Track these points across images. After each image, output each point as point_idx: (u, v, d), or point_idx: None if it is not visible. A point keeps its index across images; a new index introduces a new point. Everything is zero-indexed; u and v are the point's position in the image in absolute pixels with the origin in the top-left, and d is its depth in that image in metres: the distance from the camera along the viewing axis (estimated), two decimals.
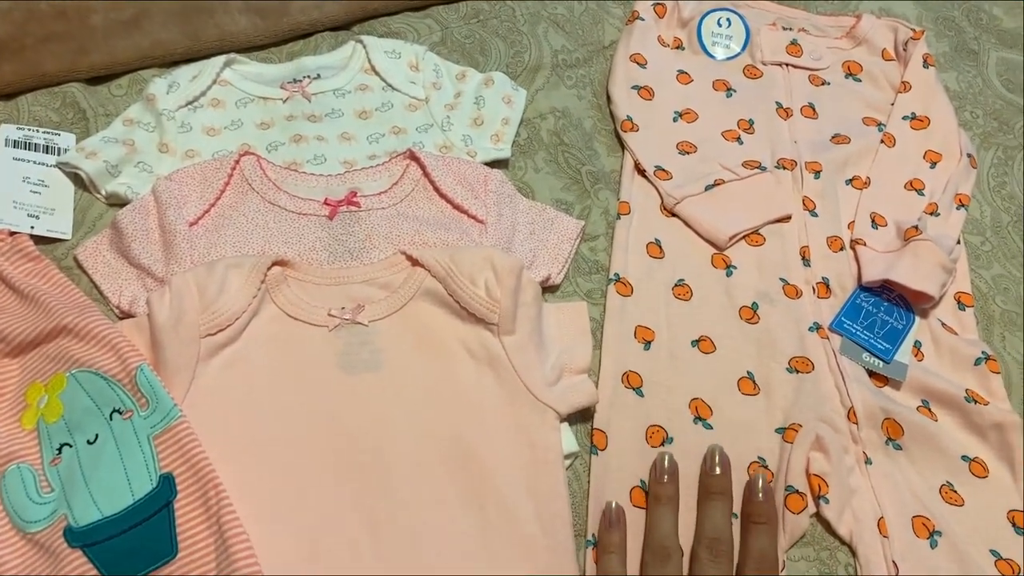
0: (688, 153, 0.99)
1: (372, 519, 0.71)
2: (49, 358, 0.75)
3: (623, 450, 0.79)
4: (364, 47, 1.00)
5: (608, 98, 1.04)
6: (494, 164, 0.94)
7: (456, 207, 0.89)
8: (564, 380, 0.80)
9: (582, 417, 0.80)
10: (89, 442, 0.72)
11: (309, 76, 0.97)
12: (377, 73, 0.99)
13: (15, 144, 0.86)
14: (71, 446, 0.72)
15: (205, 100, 0.94)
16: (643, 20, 1.09)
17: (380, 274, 0.83)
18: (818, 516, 0.77)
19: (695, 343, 0.86)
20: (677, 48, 1.11)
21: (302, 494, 0.72)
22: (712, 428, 0.80)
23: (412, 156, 0.91)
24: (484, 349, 0.79)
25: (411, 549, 0.70)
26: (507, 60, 1.04)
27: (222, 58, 0.96)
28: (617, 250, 0.91)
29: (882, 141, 1.03)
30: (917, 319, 0.90)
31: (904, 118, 1.05)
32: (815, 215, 0.96)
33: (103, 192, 0.88)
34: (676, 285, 0.89)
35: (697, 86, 1.07)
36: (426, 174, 0.90)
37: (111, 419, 0.72)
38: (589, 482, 0.77)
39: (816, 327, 0.88)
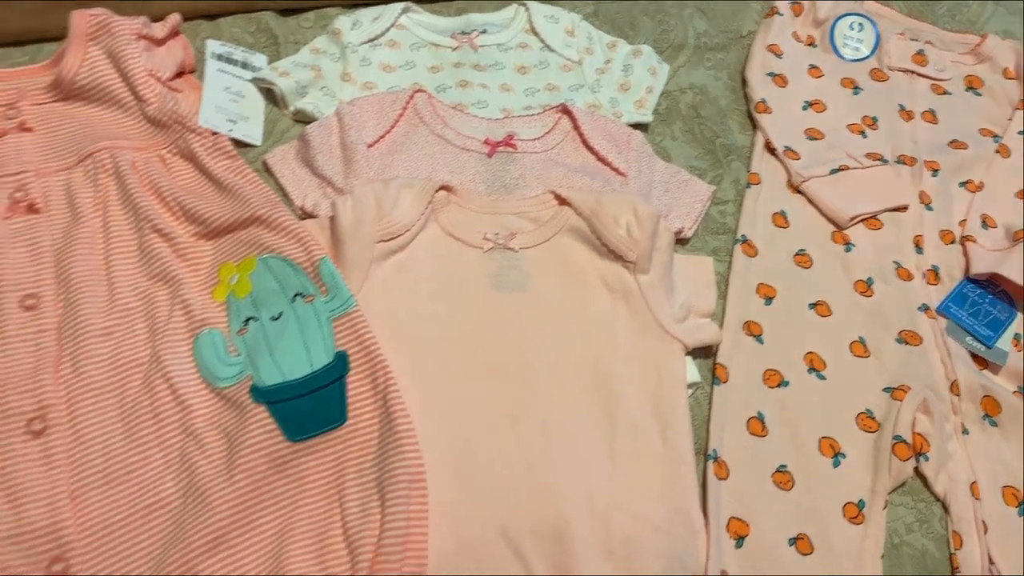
0: (815, 139, 1.06)
1: (513, 413, 0.80)
2: (241, 243, 0.85)
3: (742, 385, 0.87)
4: (527, 10, 1.10)
5: (743, 81, 1.11)
6: (636, 127, 1.02)
7: (601, 159, 0.98)
8: (691, 320, 0.88)
9: (703, 354, 0.88)
10: (273, 318, 0.81)
11: (476, 30, 1.07)
12: (537, 34, 1.08)
13: (218, 57, 0.97)
14: (257, 320, 0.81)
15: (383, 40, 1.04)
16: (781, 15, 1.17)
17: (531, 209, 0.91)
18: (917, 471, 0.84)
19: (812, 306, 0.93)
20: (810, 45, 1.18)
21: (454, 386, 0.81)
22: (825, 379, 0.88)
23: (565, 110, 1.00)
24: (620, 283, 0.87)
25: (546, 441, 0.79)
26: (654, 36, 1.13)
27: (400, 4, 1.06)
28: (745, 215, 0.99)
29: (997, 151, 1.09)
30: (1019, 314, 0.96)
31: (1020, 133, 1.11)
32: (930, 209, 1.03)
33: (291, 108, 0.98)
34: (797, 254, 0.97)
35: (827, 81, 1.14)
36: (576, 127, 0.99)
37: (294, 301, 0.82)
38: (710, 408, 0.85)
39: (925, 308, 0.94)
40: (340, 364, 0.79)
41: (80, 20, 0.93)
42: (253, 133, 0.95)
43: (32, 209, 0.85)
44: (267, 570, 0.70)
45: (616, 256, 0.87)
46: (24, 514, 0.70)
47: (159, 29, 0.96)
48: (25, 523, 0.70)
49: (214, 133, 0.91)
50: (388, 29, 1.05)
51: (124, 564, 0.70)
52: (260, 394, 0.77)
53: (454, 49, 1.06)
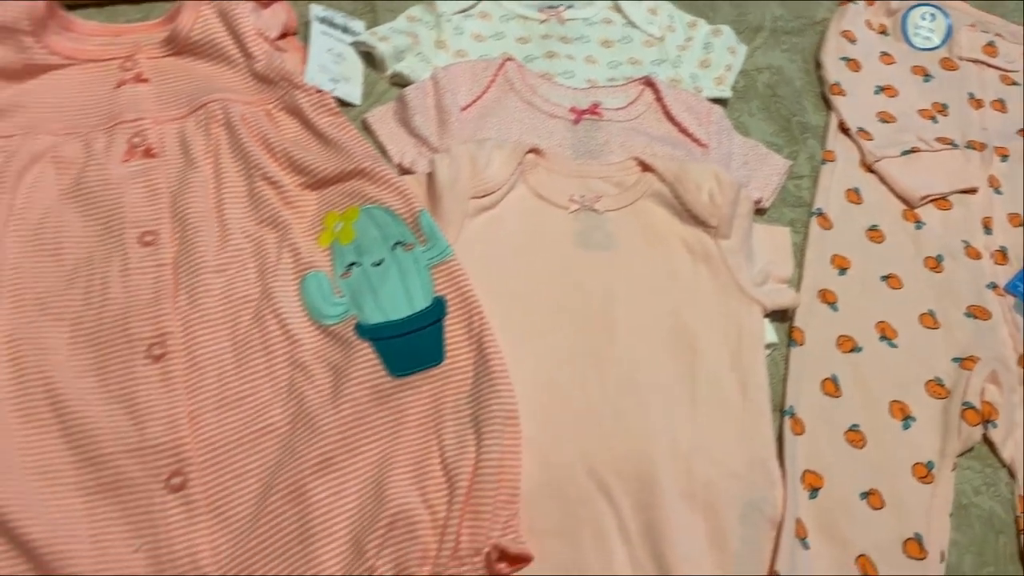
0: (887, 122, 1.09)
1: (598, 362, 0.84)
2: (345, 193, 0.90)
3: (817, 348, 0.90)
4: None
5: (818, 64, 1.15)
6: (715, 102, 1.06)
7: (682, 130, 1.01)
8: (769, 285, 0.92)
9: (780, 318, 0.92)
10: (374, 264, 0.86)
11: (563, 5, 1.11)
12: (620, 11, 1.12)
13: (321, 20, 1.02)
14: (359, 265, 0.86)
15: (475, 11, 1.09)
16: (855, 3, 1.20)
17: (615, 174, 0.95)
18: (985, 438, 0.87)
19: (884, 278, 0.96)
20: (882, 33, 1.21)
21: (542, 336, 0.85)
22: (896, 347, 0.91)
23: (648, 82, 1.04)
24: (702, 247, 0.91)
25: (630, 389, 0.82)
26: (732, 18, 1.17)
27: None
28: (820, 190, 1.02)
29: None
30: None
31: None
32: (999, 192, 1.06)
33: (388, 71, 1.03)
34: (870, 229, 1.00)
35: (898, 67, 1.17)
36: (659, 99, 1.03)
37: (394, 249, 0.86)
38: (786, 368, 0.89)
39: (993, 286, 0.97)
40: (438, 308, 0.83)
41: None
42: (353, 93, 1.00)
43: (149, 154, 0.91)
44: (370, 492, 0.75)
45: (698, 221, 0.91)
46: (146, 430, 0.75)
47: None
48: (147, 438, 0.75)
49: (319, 91, 0.96)
50: (480, 1, 1.10)
51: (236, 481, 0.75)
52: (365, 332, 0.81)
53: (542, 22, 1.10)
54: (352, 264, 0.86)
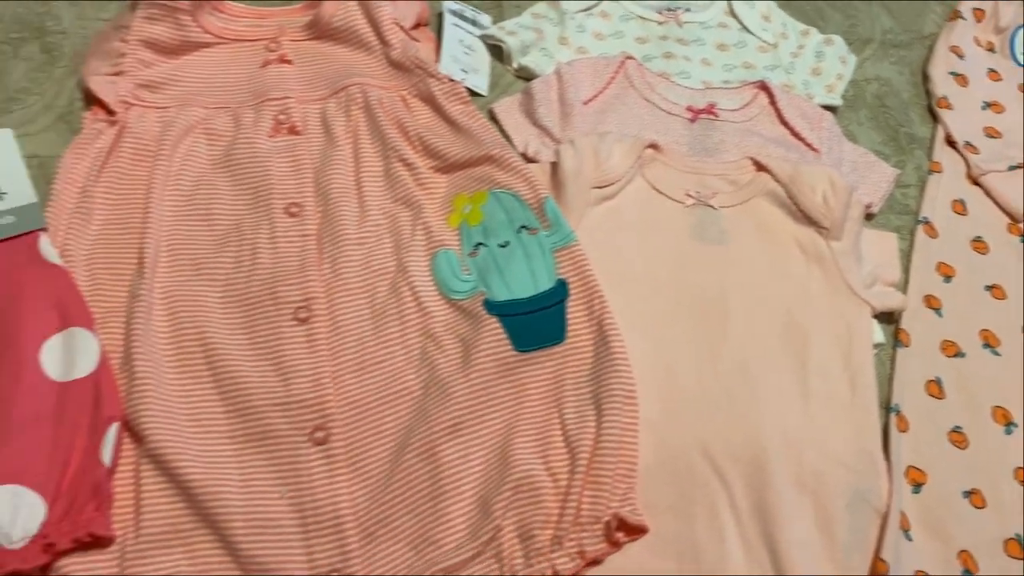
0: (994, 137, 1.11)
1: (713, 351, 0.87)
2: (473, 178, 0.94)
3: (922, 351, 0.93)
4: None
5: (925, 77, 1.17)
6: (825, 109, 1.09)
7: (795, 134, 1.05)
8: (877, 287, 0.95)
9: (886, 319, 0.94)
10: (500, 245, 0.90)
11: (681, 8, 1.15)
12: (735, 16, 1.16)
13: (453, 13, 1.07)
14: (486, 246, 0.91)
15: (597, 10, 1.13)
16: (964, 19, 1.22)
17: (730, 172, 0.99)
18: None
19: (988, 288, 0.98)
20: (989, 50, 1.23)
21: (657, 322, 0.89)
22: (1000, 356, 0.93)
23: (763, 86, 1.07)
24: (814, 247, 0.94)
25: (744, 378, 0.86)
26: (843, 28, 1.19)
27: None
28: (927, 200, 1.05)
29: None
30: None
31: None
32: None
33: (515, 64, 1.08)
34: (975, 240, 1.02)
35: (1005, 85, 1.19)
36: (773, 103, 1.06)
37: (519, 232, 0.91)
38: (892, 368, 0.92)
39: None
40: (561, 289, 0.87)
41: None
42: (481, 84, 1.05)
43: (293, 131, 0.96)
44: (495, 457, 0.79)
45: (810, 222, 0.94)
46: (292, 387, 0.81)
47: None
48: (293, 394, 0.80)
49: (451, 80, 1.01)
50: (601, 1, 1.14)
51: (373, 439, 0.80)
52: (492, 307, 0.86)
53: (660, 23, 1.14)
54: (479, 244, 0.91)
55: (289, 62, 1.02)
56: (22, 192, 0.86)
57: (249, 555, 0.74)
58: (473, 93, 1.04)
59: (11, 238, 0.83)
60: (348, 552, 0.75)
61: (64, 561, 0.72)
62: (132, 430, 0.78)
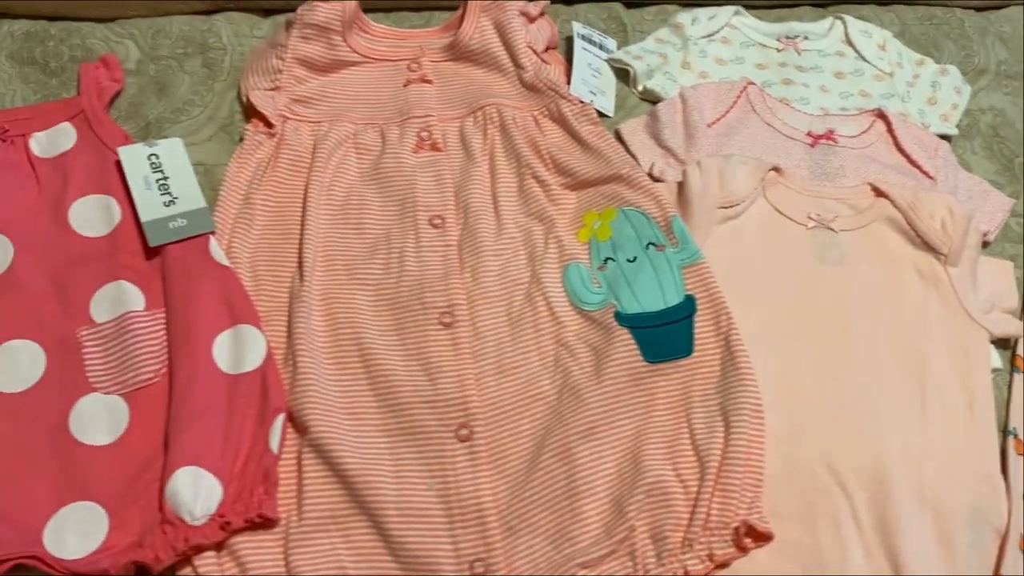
0: None
1: (834, 369, 0.91)
2: (603, 195, 0.99)
3: None
4: (843, 23, 1.21)
5: None
6: (940, 138, 1.12)
7: (911, 162, 1.07)
8: (994, 313, 0.97)
9: (1003, 345, 0.97)
10: (629, 260, 0.95)
11: (799, 36, 1.19)
12: (852, 45, 1.19)
13: (582, 37, 1.12)
14: (614, 260, 0.95)
15: (718, 36, 1.18)
16: None
17: (849, 196, 1.02)
18: None
19: None
20: None
21: (781, 340, 0.92)
22: None
23: (880, 114, 1.10)
24: (932, 272, 0.97)
25: (865, 395, 0.89)
26: (958, 59, 1.21)
27: (732, 8, 1.20)
28: None
29: None
30: None
31: None
32: None
33: (640, 87, 1.12)
34: None
35: None
36: (890, 131, 1.09)
37: (647, 248, 0.95)
38: (1009, 392, 0.94)
39: None
40: (689, 305, 0.91)
41: None
42: (608, 105, 1.10)
43: (435, 147, 1.02)
44: (627, 461, 0.83)
45: (929, 247, 0.97)
46: (439, 386, 0.86)
47: (533, 8, 1.11)
48: (440, 393, 0.86)
49: (581, 101, 1.06)
50: (722, 27, 1.18)
51: (512, 438, 0.85)
52: (623, 319, 0.90)
53: (779, 51, 1.18)
54: (608, 259, 0.96)
55: (429, 82, 1.08)
56: (192, 197, 0.93)
57: (400, 542, 0.80)
58: (600, 114, 1.09)
59: (184, 240, 0.91)
60: (491, 543, 0.80)
61: (236, 539, 0.78)
62: (295, 421, 0.84)
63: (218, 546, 0.78)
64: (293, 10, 1.09)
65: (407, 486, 0.83)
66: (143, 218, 0.91)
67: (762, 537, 0.81)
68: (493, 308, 0.92)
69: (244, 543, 0.79)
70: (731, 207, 0.99)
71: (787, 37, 1.19)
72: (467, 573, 0.79)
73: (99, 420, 0.82)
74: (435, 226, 0.96)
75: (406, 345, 0.90)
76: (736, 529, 0.80)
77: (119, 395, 0.83)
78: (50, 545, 0.76)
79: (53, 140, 0.98)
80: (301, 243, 0.94)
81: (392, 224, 0.97)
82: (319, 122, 1.03)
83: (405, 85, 1.08)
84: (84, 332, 0.86)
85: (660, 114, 1.07)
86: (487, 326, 0.91)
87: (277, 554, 0.79)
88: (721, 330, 0.90)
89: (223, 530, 0.77)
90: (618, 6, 1.19)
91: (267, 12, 1.13)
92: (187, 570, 0.77)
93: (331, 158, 1.00)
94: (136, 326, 0.86)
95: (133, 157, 0.94)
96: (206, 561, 0.77)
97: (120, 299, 0.87)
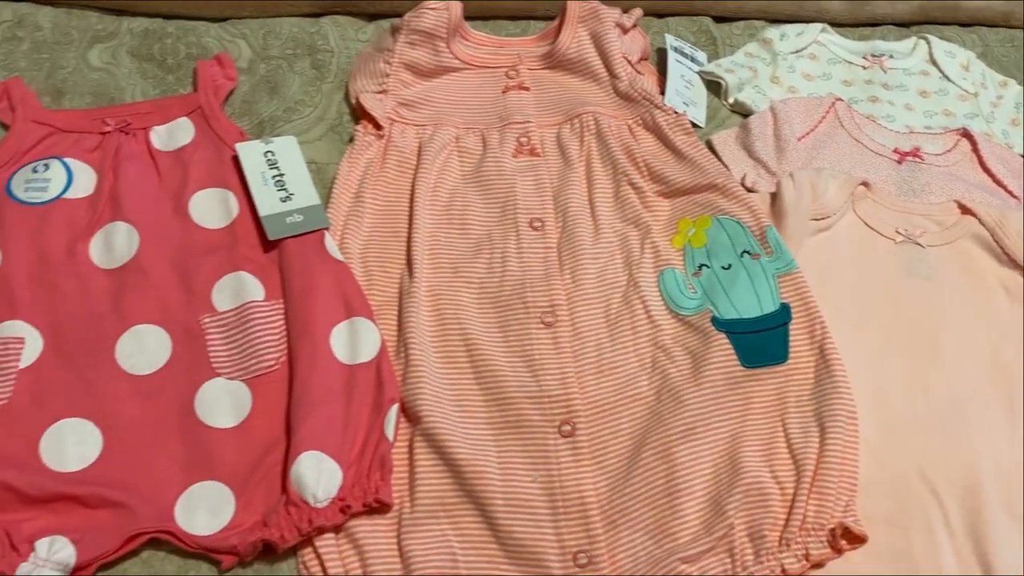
0: None
1: (925, 381, 0.93)
2: (697, 203, 1.02)
3: None
4: (928, 43, 1.23)
5: None
6: None
7: (996, 181, 1.09)
8: None
9: None
10: (723, 267, 0.97)
11: (885, 55, 1.21)
12: (936, 65, 1.21)
13: (675, 49, 1.15)
14: (709, 267, 0.98)
15: (806, 52, 1.20)
16: None
17: (936, 213, 1.04)
18: None
19: None
20: None
21: (870, 350, 0.94)
22: None
23: (966, 133, 1.13)
24: (1018, 290, 0.99)
25: (955, 407, 0.91)
26: None
27: (819, 25, 1.23)
28: None
29: None
30: None
31: None
32: None
33: (730, 100, 1.15)
34: None
35: None
36: (975, 150, 1.11)
37: (742, 257, 0.98)
38: None
39: None
40: (784, 313, 0.94)
41: (575, 5, 1.14)
42: (700, 116, 1.12)
43: (533, 152, 1.05)
44: (724, 462, 0.86)
45: (1016, 266, 0.99)
46: (543, 383, 0.89)
47: (627, 20, 1.14)
48: (544, 390, 0.89)
49: (675, 112, 1.08)
50: (809, 44, 1.21)
51: (612, 436, 0.88)
52: (721, 325, 0.93)
53: (865, 68, 1.20)
54: (702, 265, 0.98)
55: (527, 89, 1.11)
56: (307, 194, 0.97)
57: (507, 531, 0.83)
58: (693, 125, 1.11)
59: (301, 235, 0.94)
60: (594, 536, 0.83)
61: (353, 522, 0.82)
62: (407, 411, 0.87)
63: (336, 528, 0.81)
64: (397, 16, 1.13)
65: (513, 478, 0.85)
66: (262, 213, 0.94)
67: (857, 539, 0.83)
68: (592, 309, 0.95)
69: (360, 526, 0.82)
70: (822, 219, 1.01)
71: (873, 55, 1.21)
72: (571, 564, 0.82)
73: (223, 404, 0.86)
74: (535, 228, 0.99)
75: (509, 342, 0.92)
76: (832, 531, 0.82)
77: (242, 381, 0.87)
78: (181, 521, 0.79)
79: (172, 134, 1.02)
80: (409, 241, 0.98)
81: (493, 225, 1.00)
82: (423, 125, 1.07)
83: (504, 91, 1.11)
84: (207, 319, 0.90)
85: (752, 126, 1.10)
86: (586, 327, 0.94)
87: (391, 538, 0.82)
88: (815, 338, 0.92)
89: (343, 513, 0.80)
90: (707, 20, 1.22)
91: (371, 17, 1.17)
92: (307, 550, 0.81)
93: (435, 160, 1.03)
94: (257, 315, 0.89)
95: (251, 153, 0.98)
96: (326, 542, 0.81)
97: (240, 289, 0.91)
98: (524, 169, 1.04)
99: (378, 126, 1.05)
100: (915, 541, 0.85)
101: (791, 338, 0.93)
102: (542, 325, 0.93)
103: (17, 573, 0.74)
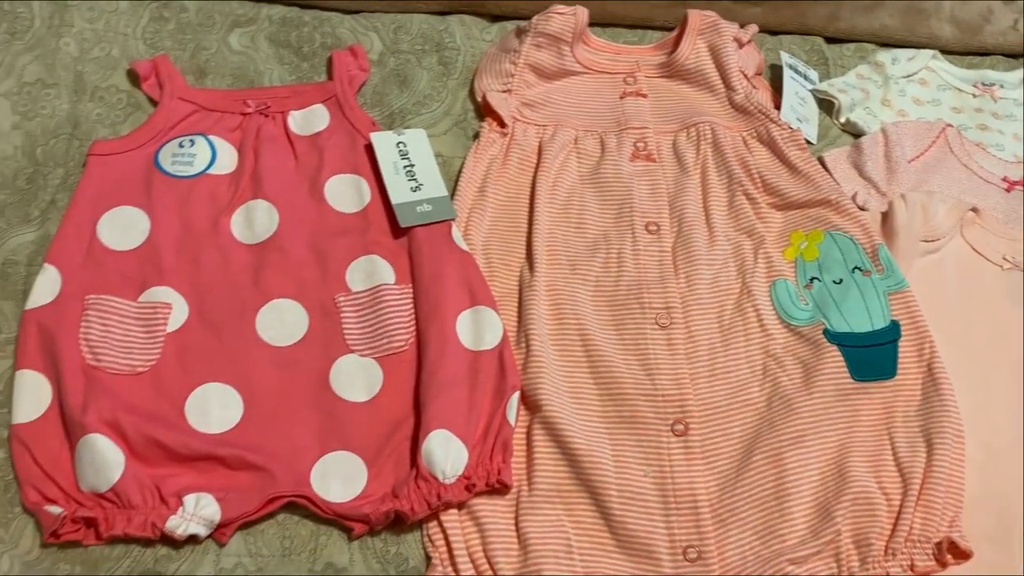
0: None
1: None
2: (809, 217, 1.04)
3: None
4: None
5: None
6: None
7: None
8: None
9: None
10: (835, 282, 0.99)
11: (995, 84, 1.22)
12: None
13: (789, 66, 1.17)
14: (820, 280, 1.00)
15: (916, 77, 1.22)
16: None
17: None
18: None
19: None
20: None
21: (974, 373, 0.95)
22: None
23: None
24: None
25: None
26: None
27: (930, 52, 1.24)
28: None
29: None
30: None
31: None
32: None
33: (842, 119, 1.17)
34: None
35: None
36: None
37: (853, 272, 0.99)
38: None
39: None
40: (894, 329, 0.96)
41: (696, 17, 1.16)
42: (812, 133, 1.14)
43: (650, 158, 1.08)
44: (831, 470, 0.87)
45: None
46: (657, 382, 0.91)
47: (743, 35, 1.16)
48: (658, 388, 0.91)
49: (790, 127, 1.10)
50: (920, 69, 1.22)
51: (722, 438, 0.90)
52: (833, 337, 0.95)
53: (975, 96, 1.21)
54: (814, 278, 1.00)
55: (644, 95, 1.14)
56: (435, 185, 1.00)
57: (620, 521, 0.85)
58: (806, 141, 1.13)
59: (429, 224, 0.97)
60: (704, 532, 0.85)
61: (474, 501, 0.85)
62: (527, 399, 0.90)
63: (460, 505, 0.85)
64: (519, 17, 1.17)
65: (626, 471, 0.88)
66: (394, 200, 0.98)
67: (962, 555, 0.84)
68: (705, 314, 0.97)
69: (481, 505, 0.85)
70: (931, 241, 1.03)
71: (983, 84, 1.23)
72: (680, 558, 0.85)
73: (356, 379, 0.89)
74: (651, 232, 1.02)
75: (624, 340, 0.95)
76: (938, 544, 0.83)
77: (373, 358, 0.90)
78: (317, 487, 0.83)
79: (308, 119, 1.06)
80: (529, 236, 1.01)
81: (610, 226, 1.03)
82: (544, 125, 1.10)
83: (621, 97, 1.14)
84: (342, 298, 0.93)
85: (863, 147, 1.11)
86: (700, 330, 0.96)
87: (509, 519, 0.85)
88: (924, 357, 0.94)
89: (468, 491, 0.83)
90: (820, 40, 1.24)
91: (494, 17, 1.20)
92: (432, 524, 0.84)
93: (555, 160, 1.06)
94: (389, 297, 0.93)
95: (384, 143, 1.02)
96: (450, 518, 0.84)
97: (373, 271, 0.95)
98: (640, 173, 1.06)
99: (502, 124, 1.08)
100: (1019, 562, 0.87)
101: (900, 354, 0.95)
102: (657, 326, 0.95)
103: (167, 525, 0.78)
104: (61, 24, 1.08)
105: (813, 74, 1.20)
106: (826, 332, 0.95)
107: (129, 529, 0.78)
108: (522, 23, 1.14)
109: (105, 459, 0.79)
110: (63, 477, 0.80)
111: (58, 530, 0.78)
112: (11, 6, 1.07)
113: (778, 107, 1.13)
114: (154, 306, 0.90)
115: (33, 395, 0.84)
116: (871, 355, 0.95)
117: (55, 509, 0.78)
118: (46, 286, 0.90)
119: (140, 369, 0.87)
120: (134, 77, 1.07)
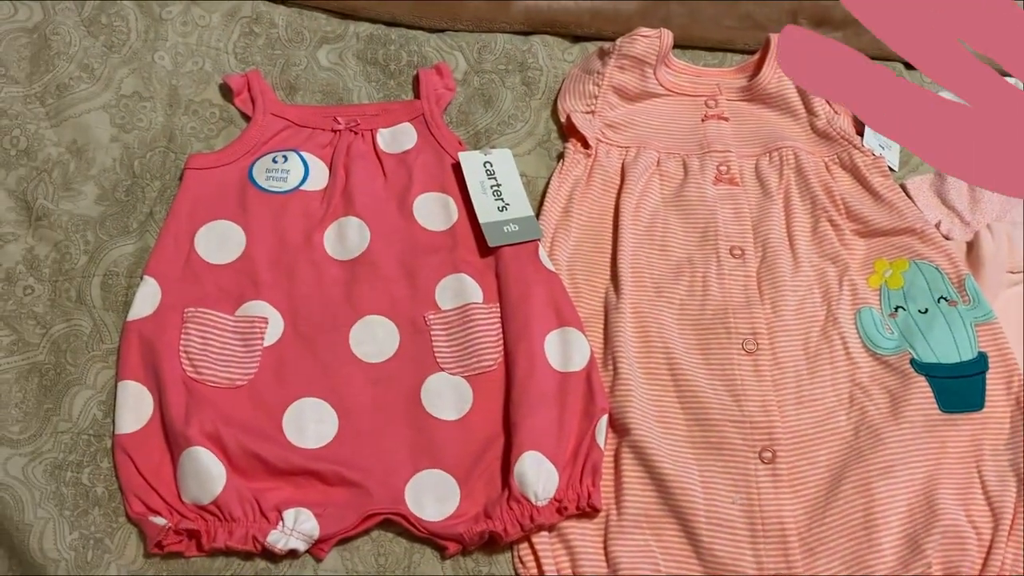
0: None
1: None
2: (893, 245, 1.02)
3: None
4: None
5: None
6: None
7: None
8: None
9: None
10: (920, 311, 0.98)
11: None
12: None
13: None
14: (905, 310, 0.99)
15: None
16: None
17: None
18: None
19: None
20: None
21: None
22: None
23: None
24: None
25: None
26: None
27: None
28: None
29: None
30: None
31: None
32: None
33: None
34: None
35: None
36: None
37: (938, 302, 0.98)
38: None
39: None
40: (982, 361, 0.94)
41: (779, 41, 1.15)
42: (894, 160, 1.11)
43: (732, 181, 1.07)
44: (920, 501, 0.86)
45: None
46: (744, 409, 0.91)
47: None
48: (746, 415, 0.90)
49: (874, 154, 1.09)
50: None
51: (809, 466, 0.89)
52: (920, 368, 0.94)
53: None
54: (898, 307, 0.99)
55: (726, 119, 1.13)
56: (521, 205, 1.00)
57: (707, 548, 0.85)
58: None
59: (516, 244, 0.98)
60: (792, 561, 0.84)
61: (564, 524, 0.85)
62: (615, 423, 0.90)
63: (551, 528, 0.85)
64: (600, 38, 1.17)
65: (714, 497, 0.87)
66: (482, 220, 0.98)
67: None
68: (792, 341, 0.96)
69: (571, 528, 0.85)
70: (1016, 273, 1.02)
71: None
72: None
73: (447, 397, 0.89)
74: (735, 256, 1.01)
75: (711, 365, 0.94)
76: None
77: (463, 377, 0.91)
78: (412, 505, 0.83)
79: (396, 137, 1.06)
80: (614, 258, 1.00)
81: (694, 249, 1.02)
82: (626, 147, 1.09)
83: (703, 120, 1.13)
84: (432, 316, 0.94)
85: (947, 175, 1.10)
86: (786, 356, 0.95)
87: (598, 543, 0.85)
88: (1012, 390, 0.93)
89: (560, 514, 0.83)
90: (899, 65, 1.22)
91: (576, 39, 1.20)
92: (524, 546, 0.84)
93: (639, 182, 1.06)
94: (478, 317, 0.93)
95: (471, 162, 1.02)
96: (542, 540, 0.84)
97: (462, 290, 0.95)
98: (724, 197, 1.06)
99: (587, 145, 1.08)
100: None
101: (988, 387, 0.93)
102: (744, 352, 0.95)
103: (268, 539, 0.79)
104: (156, 38, 1.09)
105: None
106: (913, 362, 0.94)
107: (230, 542, 0.79)
108: (604, 44, 1.14)
109: (208, 472, 0.80)
110: (165, 488, 0.81)
111: (162, 541, 0.79)
112: (108, 20, 1.09)
113: (860, 133, 1.12)
114: (251, 320, 0.91)
115: (135, 406, 0.86)
116: (959, 386, 0.93)
117: (159, 520, 0.79)
118: (146, 298, 0.91)
119: (239, 383, 0.88)
120: (226, 91, 1.08)
